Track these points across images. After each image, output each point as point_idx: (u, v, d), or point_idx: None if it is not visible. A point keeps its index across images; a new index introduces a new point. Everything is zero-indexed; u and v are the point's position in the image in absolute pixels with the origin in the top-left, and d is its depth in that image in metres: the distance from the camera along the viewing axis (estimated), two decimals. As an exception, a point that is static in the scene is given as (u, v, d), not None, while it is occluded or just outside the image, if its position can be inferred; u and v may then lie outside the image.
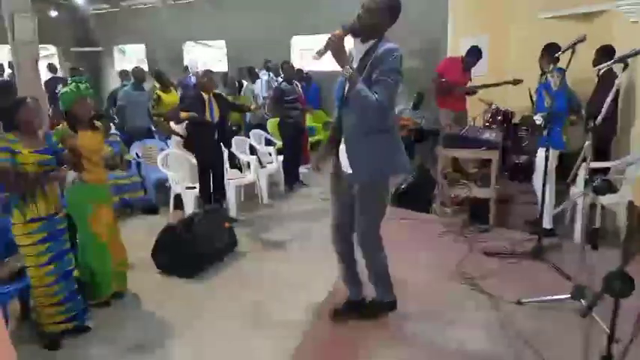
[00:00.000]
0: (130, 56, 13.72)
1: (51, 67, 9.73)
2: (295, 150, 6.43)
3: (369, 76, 2.43)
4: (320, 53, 2.34)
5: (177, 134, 5.86)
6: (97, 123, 3.40)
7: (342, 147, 2.65)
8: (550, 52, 4.22)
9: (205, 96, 4.78)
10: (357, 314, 3.03)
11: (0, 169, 2.64)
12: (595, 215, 3.65)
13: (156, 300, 3.53)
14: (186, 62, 11.82)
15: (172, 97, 6.35)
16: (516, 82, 5.48)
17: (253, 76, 8.32)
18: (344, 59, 2.38)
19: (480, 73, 6.16)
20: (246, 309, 3.34)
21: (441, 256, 4.01)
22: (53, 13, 12.25)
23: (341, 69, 2.41)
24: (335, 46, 2.33)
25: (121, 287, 3.58)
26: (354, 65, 2.49)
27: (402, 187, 5.30)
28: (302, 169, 6.76)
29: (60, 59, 12.64)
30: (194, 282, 3.80)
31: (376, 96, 2.35)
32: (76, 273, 3.16)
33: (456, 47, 6.65)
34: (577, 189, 3.84)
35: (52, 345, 2.92)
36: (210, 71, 5.04)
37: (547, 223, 4.12)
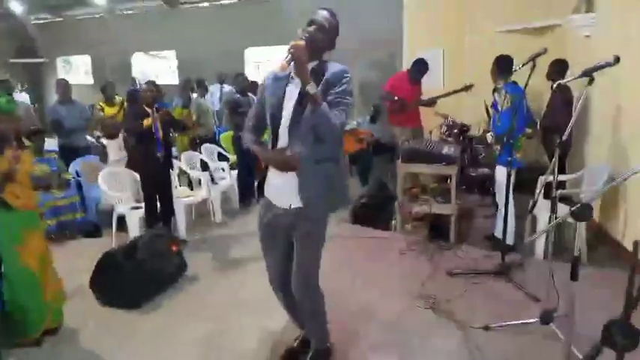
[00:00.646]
0: (77, 68, 13.09)
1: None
2: (250, 164, 6.17)
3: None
4: (288, 62, 2.04)
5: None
6: (25, 141, 3.05)
7: (281, 178, 2.32)
8: (501, 65, 4.17)
9: (148, 110, 4.49)
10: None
11: None
12: (573, 239, 3.58)
13: (94, 335, 3.19)
14: (134, 74, 11.34)
15: (114, 111, 5.96)
16: (467, 88, 5.49)
17: (202, 89, 7.99)
18: (306, 73, 2.09)
19: (435, 87, 6.14)
20: (198, 341, 3.06)
21: (404, 277, 3.86)
22: (-11, 22, 11.50)
23: (303, 83, 2.11)
24: (298, 58, 2.04)
25: (55, 323, 3.21)
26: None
27: (360, 202, 5.14)
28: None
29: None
30: (139, 313, 3.48)
31: (337, 117, 2.14)
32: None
33: (410, 60, 6.62)
34: (542, 205, 3.76)
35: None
36: (154, 83, 4.75)
37: (510, 240, 4.04)
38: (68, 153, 5.88)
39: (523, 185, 4.37)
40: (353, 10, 8.63)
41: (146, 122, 4.45)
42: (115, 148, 6.65)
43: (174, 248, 4.04)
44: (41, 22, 12.59)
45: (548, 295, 2.86)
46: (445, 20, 6.79)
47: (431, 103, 5.87)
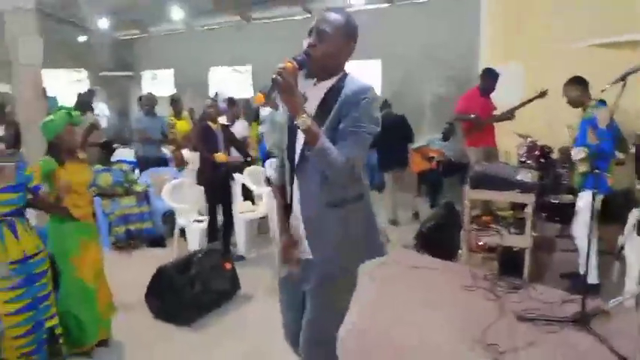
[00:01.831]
0: (161, 81, 13.82)
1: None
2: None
3: (335, 127, 1.79)
4: (268, 95, 1.72)
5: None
6: (81, 155, 3.12)
7: (296, 223, 1.97)
8: (584, 84, 3.87)
9: (213, 126, 4.51)
10: None
11: None
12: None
13: (146, 350, 3.22)
14: (214, 88, 11.72)
15: (185, 125, 6.12)
16: (543, 94, 5.03)
17: (275, 104, 7.99)
18: (298, 103, 1.71)
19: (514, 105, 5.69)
20: None
21: (465, 316, 3.48)
22: (81, 38, 12.46)
23: (292, 116, 1.74)
24: (285, 85, 1.68)
25: (106, 334, 3.26)
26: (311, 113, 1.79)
27: (427, 226, 4.82)
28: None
29: (91, 83, 12.81)
30: (189, 330, 3.47)
31: (344, 154, 1.74)
32: (52, 321, 2.84)
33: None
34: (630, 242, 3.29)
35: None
36: (232, 99, 4.82)
37: (593, 278, 3.57)
38: (144, 163, 6.12)
39: (610, 215, 3.87)
40: (424, 22, 8.40)
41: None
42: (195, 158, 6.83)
43: (227, 266, 3.99)
44: (129, 37, 13.47)
45: (637, 353, 2.43)
46: (527, 32, 6.30)
47: (507, 116, 5.41)
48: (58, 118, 2.95)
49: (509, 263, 4.13)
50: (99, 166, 5.16)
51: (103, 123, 6.68)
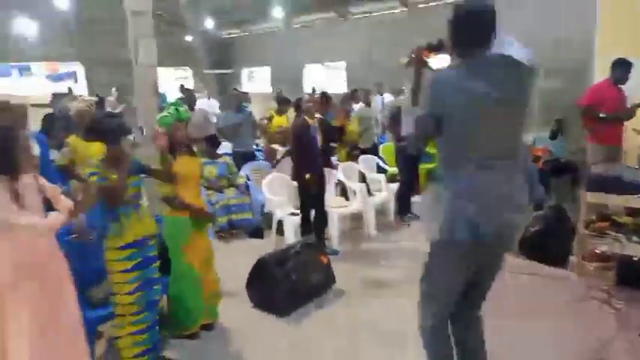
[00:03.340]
0: (259, 78, 14.34)
1: (182, 89, 10.37)
2: (412, 178, 5.94)
3: None
4: (406, 64, 2.03)
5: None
6: (194, 148, 3.30)
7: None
8: None
9: (310, 121, 4.56)
10: None
11: (98, 187, 2.61)
12: None
13: (244, 338, 3.35)
14: (309, 85, 11.94)
15: (282, 121, 6.29)
16: None
17: (367, 100, 7.93)
18: (416, 83, 2.00)
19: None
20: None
21: (578, 333, 3.18)
22: (188, 38, 13.25)
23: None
24: (415, 64, 1.99)
25: (210, 319, 3.44)
26: None
27: (532, 230, 4.49)
28: (416, 200, 6.23)
29: (194, 81, 13.63)
30: (286, 322, 3.56)
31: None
32: (160, 303, 3.05)
33: (606, 69, 5.64)
34: None
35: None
36: (325, 94, 4.85)
37: None
38: (239, 158, 6.39)
39: None
40: (531, 14, 7.83)
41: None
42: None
43: (323, 260, 4.03)
44: (231, 37, 14.10)
45: None
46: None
47: (630, 114, 4.89)
48: (168, 115, 3.16)
49: (628, 274, 3.74)
50: (205, 159, 5.45)
51: (213, 118, 7.10)
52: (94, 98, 7.04)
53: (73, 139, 4.02)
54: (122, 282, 2.73)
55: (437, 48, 2.00)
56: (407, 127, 1.95)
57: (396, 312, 3.58)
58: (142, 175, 2.89)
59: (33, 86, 12.41)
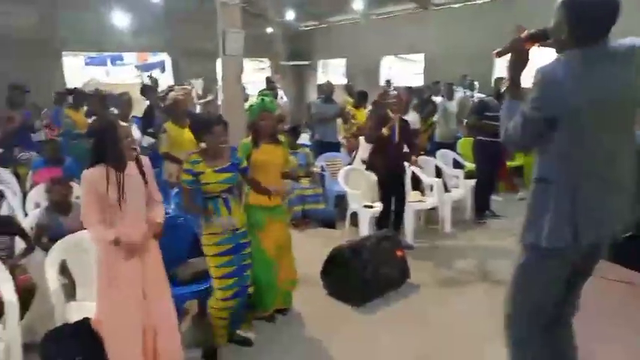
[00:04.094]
0: (334, 70, 14.38)
1: (267, 81, 10.58)
2: (491, 175, 5.72)
3: None
4: (500, 53, 1.95)
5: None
6: (281, 137, 3.38)
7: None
8: None
9: (393, 116, 4.53)
10: None
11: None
12: None
13: (320, 325, 3.40)
14: (384, 77, 11.78)
15: (361, 116, 6.28)
16: None
17: (449, 93, 7.60)
18: (516, 73, 1.91)
19: None
20: (404, 354, 3.02)
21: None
22: (269, 30, 13.53)
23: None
24: (515, 51, 1.89)
25: (285, 304, 3.53)
26: None
27: (624, 235, 4.16)
28: (494, 198, 6.01)
29: (272, 72, 13.93)
30: (360, 312, 3.58)
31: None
32: (250, 289, 3.17)
33: None
34: None
35: (210, 357, 2.93)
36: (410, 88, 4.76)
37: None
38: (320, 147, 6.47)
39: None
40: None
41: (385, 130, 4.48)
42: (365, 147, 7.03)
43: (399, 254, 4.00)
44: (308, 28, 14.24)
45: None
46: None
47: None
48: (255, 105, 3.25)
49: None
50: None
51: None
52: (190, 87, 7.35)
53: (169, 125, 4.28)
54: (214, 266, 2.86)
55: (542, 38, 1.85)
56: (507, 124, 1.87)
57: (471, 312, 3.52)
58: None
59: (124, 74, 13.38)
